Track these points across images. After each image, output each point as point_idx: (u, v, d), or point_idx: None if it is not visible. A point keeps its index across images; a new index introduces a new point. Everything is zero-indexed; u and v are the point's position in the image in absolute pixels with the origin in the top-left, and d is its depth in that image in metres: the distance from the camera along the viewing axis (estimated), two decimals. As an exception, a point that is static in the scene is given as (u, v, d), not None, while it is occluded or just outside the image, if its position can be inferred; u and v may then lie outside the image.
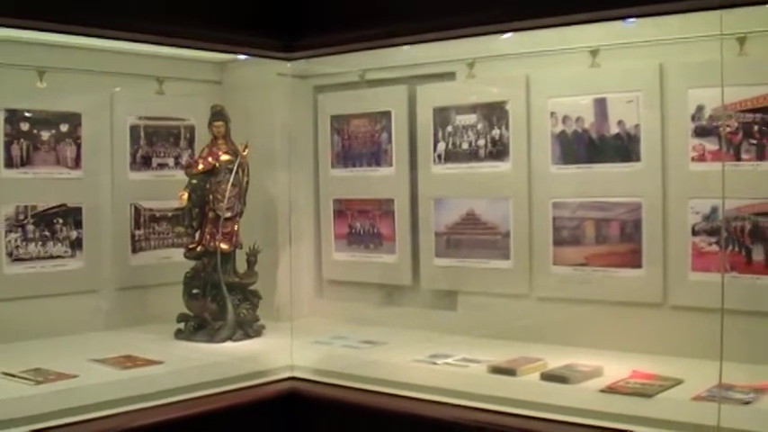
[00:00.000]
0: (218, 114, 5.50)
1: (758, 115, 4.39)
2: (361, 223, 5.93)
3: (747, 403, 3.76)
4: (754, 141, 4.42)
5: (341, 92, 6.09)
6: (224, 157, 5.42)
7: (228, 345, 5.25)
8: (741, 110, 4.43)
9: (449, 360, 4.73)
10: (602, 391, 4.06)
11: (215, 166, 5.40)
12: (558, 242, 5.06)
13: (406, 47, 4.91)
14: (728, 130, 4.46)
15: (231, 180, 5.35)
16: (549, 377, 4.30)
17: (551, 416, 3.99)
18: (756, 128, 4.41)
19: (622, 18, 4.22)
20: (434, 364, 4.70)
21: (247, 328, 5.37)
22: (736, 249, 4.48)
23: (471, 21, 4.29)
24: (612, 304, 4.86)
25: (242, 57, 5.56)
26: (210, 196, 5.40)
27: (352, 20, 4.63)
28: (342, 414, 4.57)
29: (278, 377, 4.87)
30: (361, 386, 4.64)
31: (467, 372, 4.56)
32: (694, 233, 4.60)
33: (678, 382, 4.12)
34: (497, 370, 4.46)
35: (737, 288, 4.41)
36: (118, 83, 5.69)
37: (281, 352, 5.01)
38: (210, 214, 5.40)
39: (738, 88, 4.42)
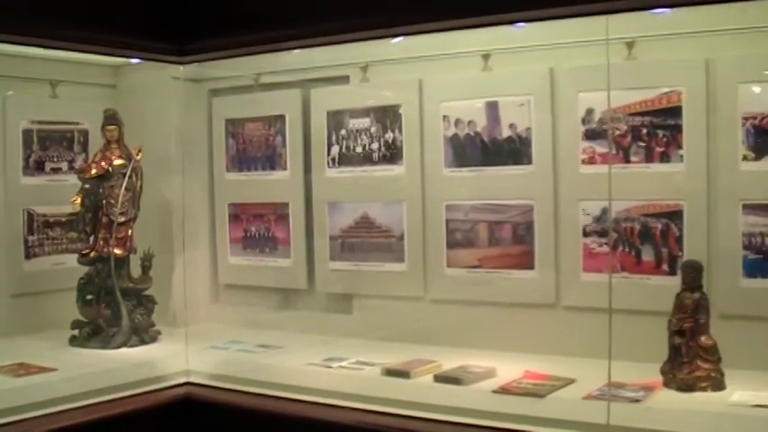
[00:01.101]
0: (111, 118, 5.35)
1: (647, 118, 4.42)
2: (257, 227, 5.82)
3: (637, 401, 3.78)
4: (643, 144, 4.44)
5: (235, 95, 5.97)
6: (117, 162, 5.26)
7: (124, 351, 5.09)
8: (630, 113, 4.45)
9: (343, 363, 4.67)
10: (495, 391, 4.03)
11: (108, 170, 5.25)
12: (452, 244, 5.02)
13: (300, 50, 4.84)
14: (618, 132, 4.47)
15: (124, 184, 5.20)
16: (442, 379, 4.27)
17: (444, 417, 3.94)
18: (645, 130, 4.43)
19: (511, 23, 4.20)
20: (329, 367, 4.64)
21: (142, 334, 5.22)
22: (626, 250, 4.50)
23: (363, 24, 4.23)
24: (506, 306, 4.83)
25: (135, 60, 5.37)
26: (104, 201, 5.23)
27: (244, 23, 4.53)
28: (238, 418, 4.47)
29: (173, 382, 4.74)
30: (256, 390, 4.55)
31: (361, 375, 4.51)
32: (585, 234, 4.60)
33: (570, 381, 4.12)
34: (391, 372, 4.41)
35: (628, 288, 4.44)
36: (10, 86, 5.52)
37: (177, 357, 4.88)
38: (104, 219, 5.24)
39: (627, 92, 4.45)
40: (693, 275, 4.00)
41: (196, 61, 5.03)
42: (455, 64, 4.95)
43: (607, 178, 4.34)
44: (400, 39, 4.64)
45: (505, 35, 4.62)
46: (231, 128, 5.91)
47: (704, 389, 3.87)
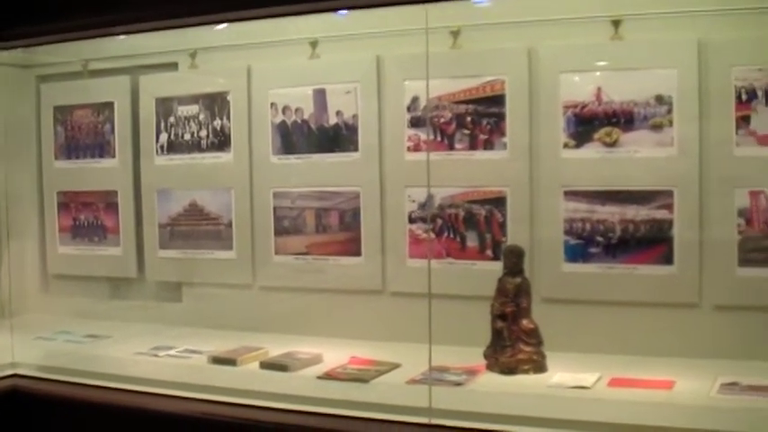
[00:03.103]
0: (-68, 104, 4.99)
1: (471, 106, 4.37)
2: (86, 216, 5.56)
3: (460, 384, 3.73)
4: (467, 131, 4.38)
5: (64, 82, 5.66)
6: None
7: (-54, 344, 4.74)
8: (455, 101, 4.40)
9: (171, 352, 4.50)
10: (320, 377, 3.95)
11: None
12: (280, 232, 4.88)
13: (130, 36, 4.60)
14: (442, 120, 4.41)
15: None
16: (268, 366, 4.15)
17: (270, 404, 3.82)
18: (469, 118, 4.38)
19: (336, 10, 4.13)
20: (156, 356, 4.47)
21: (-35, 326, 4.88)
22: (451, 236, 4.44)
23: (190, 10, 4.07)
24: (334, 292, 4.73)
25: (-43, 45, 5.05)
26: None
27: (69, 8, 4.30)
28: (65, 410, 4.24)
29: (-1, 375, 4.43)
30: (84, 381, 4.32)
31: (188, 363, 4.35)
32: (411, 221, 4.53)
33: (395, 366, 4.04)
34: (218, 360, 4.27)
35: (452, 273, 4.40)
36: None
37: (2, 350, 4.62)
38: (-77, 208, 4.88)
39: (452, 80, 4.40)
40: (515, 260, 3.96)
41: (19, 46, 4.78)
42: (283, 51, 4.81)
43: (432, 165, 4.31)
44: (225, 25, 4.51)
45: (333, 23, 4.52)
46: (60, 115, 5.63)
47: (526, 371, 3.84)
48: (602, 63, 4.19)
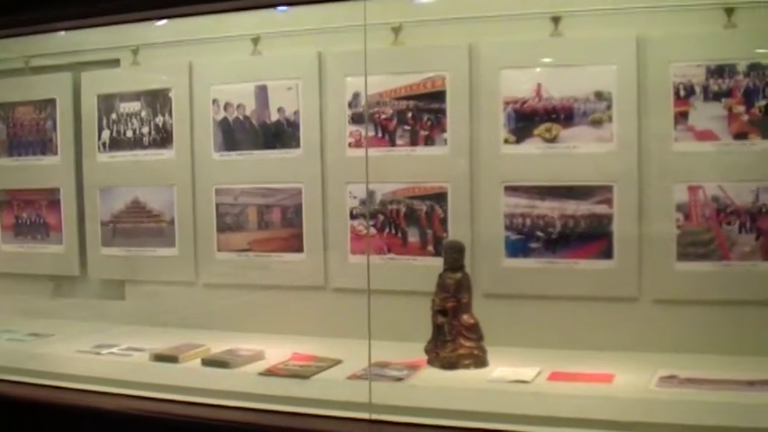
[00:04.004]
0: None
1: (412, 102, 4.33)
2: (28, 214, 5.44)
3: (400, 380, 3.70)
4: (408, 127, 4.34)
5: (5, 79, 5.52)
6: None
7: None
8: (396, 97, 4.35)
9: (113, 350, 4.41)
10: (262, 374, 3.88)
11: None
12: (222, 228, 4.80)
13: (72, 32, 4.55)
14: (383, 116, 4.37)
15: None
16: (209, 362, 4.08)
17: (212, 401, 3.74)
18: (410, 114, 4.33)
19: (275, 6, 4.12)
20: (98, 354, 4.37)
21: None
22: (393, 232, 4.40)
23: (130, 6, 4.00)
24: (277, 289, 4.67)
25: None
26: None
27: (10, 4, 4.18)
28: (7, 409, 4.12)
29: (-63, 376, 4.32)
30: (26, 380, 4.21)
31: (130, 360, 4.26)
32: (353, 217, 4.48)
33: (337, 362, 4.00)
34: (160, 357, 4.19)
35: (394, 269, 4.37)
36: None
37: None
38: None
39: (394, 76, 4.36)
40: (455, 256, 3.93)
41: (-45, 42, 4.62)
42: (225, 48, 4.74)
43: (373, 161, 4.26)
44: (166, 21, 4.46)
45: (275, 19, 4.48)
46: (1, 112, 5.50)
47: (467, 366, 3.81)
48: (542, 59, 4.18)
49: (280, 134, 4.63)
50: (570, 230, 4.10)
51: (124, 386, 3.98)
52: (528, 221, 4.16)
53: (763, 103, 3.84)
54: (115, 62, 5.14)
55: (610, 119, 4.04)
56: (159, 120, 4.94)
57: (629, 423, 3.19)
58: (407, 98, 4.34)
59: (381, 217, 4.41)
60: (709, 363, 3.68)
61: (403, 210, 4.38)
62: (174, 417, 3.73)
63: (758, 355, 3.73)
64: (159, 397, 3.87)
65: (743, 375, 3.47)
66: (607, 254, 4.06)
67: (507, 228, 4.19)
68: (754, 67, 3.85)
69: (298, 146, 4.60)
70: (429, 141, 4.32)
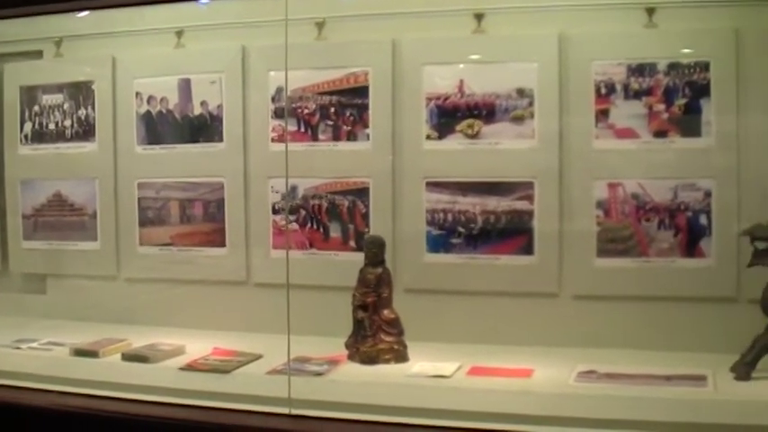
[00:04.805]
0: None
1: (334, 97, 4.27)
2: (-52, 207, 5.23)
3: (320, 374, 3.64)
4: (331, 122, 4.28)
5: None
6: None
7: None
8: (319, 92, 4.29)
9: (33, 344, 4.28)
10: (182, 368, 3.79)
11: None
12: (145, 222, 4.69)
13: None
14: (306, 111, 4.31)
15: None
16: (129, 357, 3.97)
17: (132, 396, 3.67)
18: (333, 109, 4.28)
19: None
20: (18, 348, 4.24)
21: None
22: (315, 227, 4.34)
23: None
24: (199, 283, 4.58)
25: None
26: None
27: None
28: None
29: None
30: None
31: (50, 355, 4.13)
32: (275, 212, 4.41)
33: (257, 357, 3.91)
34: (80, 352, 4.07)
35: (316, 264, 4.31)
36: None
37: None
38: None
39: (317, 71, 4.30)
40: (375, 251, 3.87)
41: None
42: (149, 40, 4.63)
43: (296, 156, 4.20)
44: (88, 13, 4.37)
45: (199, 12, 4.41)
46: (-77, 104, 5.30)
47: (387, 361, 3.75)
48: (464, 56, 4.13)
49: (203, 128, 4.54)
50: (491, 226, 4.07)
51: (44, 381, 3.87)
52: (449, 217, 4.12)
53: (682, 101, 3.84)
54: (38, 54, 4.99)
55: (531, 116, 4.01)
56: (82, 112, 4.82)
57: (547, 417, 3.17)
58: (330, 93, 4.27)
59: (303, 212, 4.35)
60: (627, 358, 3.67)
61: (325, 205, 4.31)
62: (94, 411, 3.64)
63: (675, 351, 3.72)
64: (79, 392, 3.78)
65: (660, 370, 3.46)
66: (528, 250, 4.03)
67: (429, 223, 4.14)
68: (674, 66, 3.85)
69: (220, 140, 4.51)
70: (351, 136, 4.26)
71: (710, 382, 3.33)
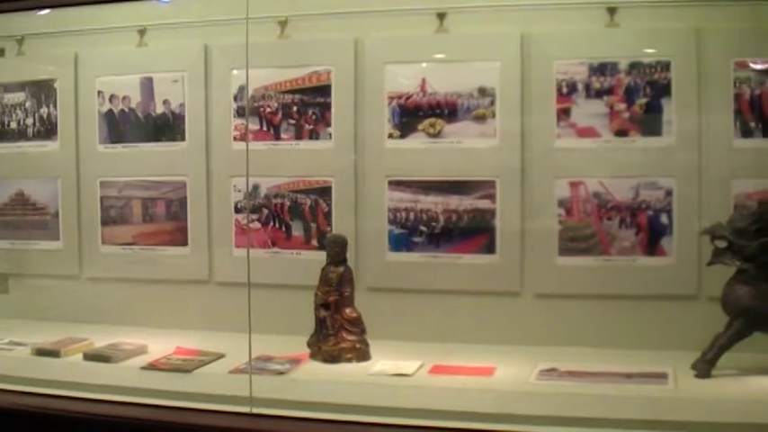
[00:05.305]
0: None
1: (297, 96, 4.22)
2: None
3: (282, 373, 3.61)
4: (293, 121, 4.24)
5: None
6: None
7: None
8: (281, 91, 4.24)
9: (-5, 344, 4.19)
10: (144, 368, 3.75)
11: None
12: (107, 222, 4.62)
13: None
14: (268, 110, 4.26)
15: None
16: (91, 357, 3.92)
17: (94, 395, 3.59)
18: (295, 108, 4.23)
19: None
20: (-21, 348, 4.15)
21: None
22: (277, 226, 4.29)
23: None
24: (162, 282, 4.52)
25: None
26: None
27: None
28: None
29: None
30: None
31: (11, 355, 4.08)
32: (237, 211, 4.35)
33: (220, 356, 3.87)
34: (41, 352, 4.02)
35: (279, 263, 4.27)
36: None
37: None
38: None
39: (279, 70, 4.26)
40: (337, 250, 3.84)
41: None
42: (112, 39, 4.55)
43: (258, 155, 4.18)
44: (50, 11, 4.32)
45: (162, 11, 4.36)
46: None
47: (349, 359, 3.72)
48: (427, 55, 4.10)
49: (165, 127, 4.47)
50: (453, 225, 4.04)
51: (5, 381, 3.78)
52: (412, 216, 4.08)
53: (643, 100, 3.83)
54: (0, 52, 4.89)
55: (493, 114, 3.98)
56: (44, 111, 4.74)
57: (508, 415, 3.13)
58: (293, 92, 4.23)
59: (266, 211, 4.30)
60: (589, 356, 3.65)
61: (287, 204, 4.27)
62: (55, 412, 3.56)
63: (637, 348, 3.71)
64: (40, 392, 3.69)
65: (622, 368, 3.45)
66: (490, 248, 4.00)
67: (391, 222, 4.11)
68: (635, 66, 3.83)
69: (183, 139, 4.45)
70: (314, 135, 4.22)
71: (671, 380, 3.32)
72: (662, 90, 3.79)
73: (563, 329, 3.89)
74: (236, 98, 4.32)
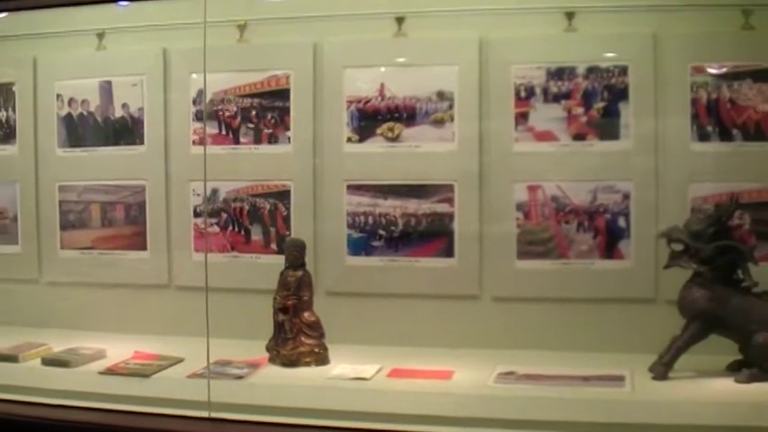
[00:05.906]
0: None
1: (256, 100, 4.18)
2: None
3: (241, 378, 3.56)
4: (252, 125, 4.19)
5: None
6: None
7: None
8: (240, 95, 4.20)
9: (-50, 349, 4.10)
10: (102, 372, 3.69)
11: None
12: (66, 226, 4.54)
13: None
14: (227, 114, 4.21)
15: None
16: (49, 362, 3.86)
17: (52, 401, 3.55)
18: (254, 112, 4.18)
19: (115, 0, 3.98)
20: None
21: None
22: (236, 230, 4.24)
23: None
24: (121, 287, 4.44)
25: None
26: None
27: None
28: None
29: None
30: None
31: (-32, 361, 3.99)
32: (196, 215, 4.29)
33: (178, 360, 3.81)
34: None
35: (238, 267, 4.23)
36: None
37: None
38: None
39: (238, 74, 4.21)
40: (296, 254, 3.79)
41: None
42: (70, 42, 4.48)
43: (217, 159, 4.15)
44: (7, 14, 4.21)
45: (121, 14, 4.28)
46: None
47: (308, 363, 3.68)
48: (385, 59, 4.07)
49: (124, 131, 4.41)
50: (412, 229, 4.00)
51: (-38, 387, 3.71)
52: (370, 220, 4.04)
53: (601, 105, 3.81)
54: (-40, 55, 4.82)
55: (451, 119, 3.95)
56: (2, 114, 4.65)
57: (466, 419, 3.12)
58: (252, 96, 4.18)
59: (225, 215, 4.25)
60: (547, 359, 3.62)
61: (246, 207, 4.22)
62: (13, 417, 3.51)
63: (595, 351, 3.69)
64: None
65: (579, 371, 3.44)
66: (448, 252, 3.97)
67: (350, 226, 4.07)
68: (593, 70, 3.82)
69: (142, 142, 4.38)
70: (273, 139, 4.17)
71: (628, 383, 3.30)
72: (619, 94, 3.78)
73: (521, 333, 3.86)
74: (195, 102, 4.27)
